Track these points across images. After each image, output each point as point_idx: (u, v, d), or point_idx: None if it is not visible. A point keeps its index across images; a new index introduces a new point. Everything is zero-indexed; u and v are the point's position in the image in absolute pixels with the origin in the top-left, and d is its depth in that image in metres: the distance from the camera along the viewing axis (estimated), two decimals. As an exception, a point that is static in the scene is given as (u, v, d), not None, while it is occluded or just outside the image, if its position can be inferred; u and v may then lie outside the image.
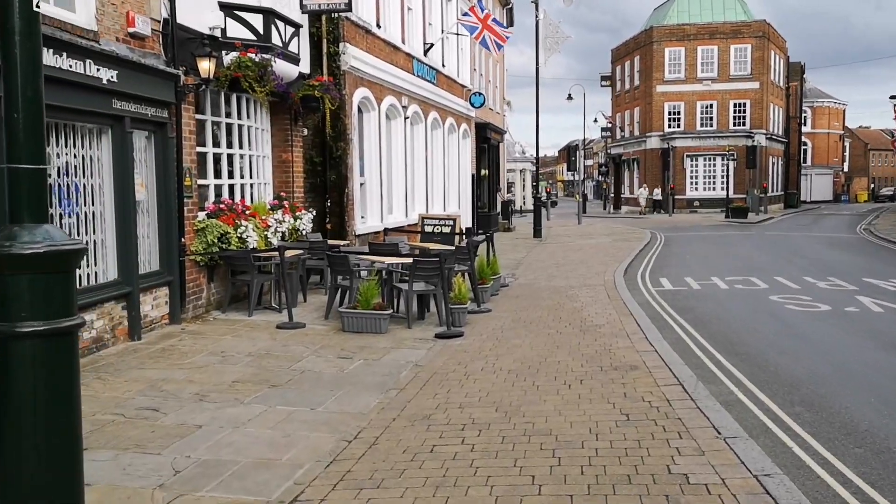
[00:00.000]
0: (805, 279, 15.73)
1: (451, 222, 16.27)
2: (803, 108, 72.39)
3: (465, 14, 22.62)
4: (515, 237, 30.07)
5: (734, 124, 51.19)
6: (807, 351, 9.28)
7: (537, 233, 29.73)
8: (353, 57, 16.56)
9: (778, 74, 56.11)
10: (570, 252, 22.99)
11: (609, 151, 65.05)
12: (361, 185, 18.31)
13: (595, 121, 64.12)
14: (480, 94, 28.57)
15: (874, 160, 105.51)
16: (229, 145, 12.79)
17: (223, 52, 11.69)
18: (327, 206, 16.79)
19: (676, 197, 48.97)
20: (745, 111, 51.27)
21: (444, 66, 25.26)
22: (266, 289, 12.54)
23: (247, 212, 12.32)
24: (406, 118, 20.98)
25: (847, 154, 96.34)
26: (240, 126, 13.12)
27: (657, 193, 51.27)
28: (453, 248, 14.70)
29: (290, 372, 8.17)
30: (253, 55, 11.60)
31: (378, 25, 18.47)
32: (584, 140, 60.59)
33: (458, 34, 25.21)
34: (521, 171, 73.35)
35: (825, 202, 79.69)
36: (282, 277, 10.89)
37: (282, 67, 12.77)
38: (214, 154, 12.30)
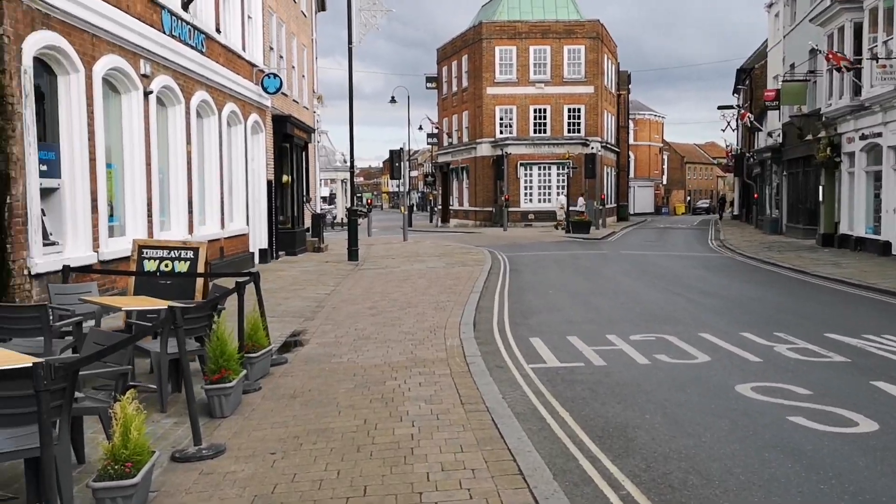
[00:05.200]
0: (748, 338, 10.34)
1: (191, 253, 9.58)
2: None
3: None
4: (325, 260, 23.58)
5: (569, 131, 47.31)
6: None
7: (353, 255, 23.37)
8: (20, -28, 9.59)
9: (610, 80, 53.11)
10: (394, 285, 16.82)
11: (436, 160, 59.94)
12: (55, 189, 11.25)
13: (420, 128, 58.60)
14: (276, 75, 21.90)
15: (689, 173, 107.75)
16: None
17: None
18: (-28, 225, 9.66)
19: (510, 210, 44.12)
20: (579, 117, 47.54)
21: (219, 31, 18.42)
22: None
23: None
24: (149, 93, 14.04)
25: (666, 167, 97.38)
26: None
27: (581, 203, 42.05)
28: (186, 304, 8.11)
29: None
30: None
31: (84, -63, 11.49)
32: (408, 144, 54.66)
33: (239, -11, 18.51)
34: (343, 181, 66.92)
35: (648, 214, 79.02)
36: None
37: None
38: None
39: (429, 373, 8.27)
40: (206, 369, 7.02)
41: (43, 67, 11.04)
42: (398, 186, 62.83)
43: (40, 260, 10.33)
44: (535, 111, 47.18)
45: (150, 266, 9.53)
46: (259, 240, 22.04)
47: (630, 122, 76.39)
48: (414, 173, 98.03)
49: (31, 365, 3.91)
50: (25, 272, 10.08)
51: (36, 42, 10.34)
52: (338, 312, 12.94)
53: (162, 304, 7.43)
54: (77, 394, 4.88)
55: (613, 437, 6.29)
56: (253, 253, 21.26)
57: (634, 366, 8.81)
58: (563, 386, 7.94)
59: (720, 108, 54.88)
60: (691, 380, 8.12)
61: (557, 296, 15.20)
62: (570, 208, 39.67)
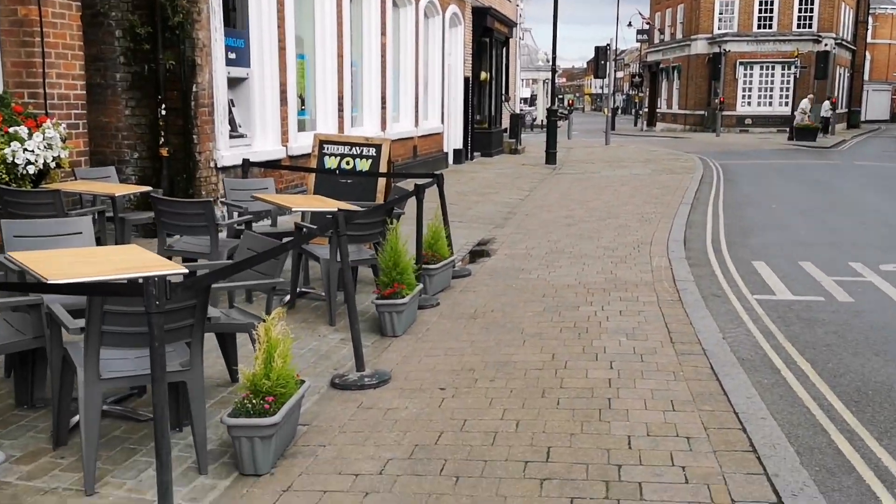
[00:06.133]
0: None
1: (374, 150, 8.82)
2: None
3: None
4: (522, 163, 22.50)
5: (798, 25, 42.23)
6: None
7: (551, 158, 22.13)
8: None
9: (852, -34, 46.68)
10: (593, 192, 15.48)
11: (645, 59, 56.27)
12: (244, 80, 10.87)
13: (629, 24, 54.81)
14: (476, -37, 20.55)
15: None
16: None
17: None
18: (161, 114, 9.43)
19: (725, 114, 40.46)
20: (812, 9, 42.20)
21: (418, -88, 17.26)
22: None
23: None
24: (341, -21, 13.27)
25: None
26: None
27: (827, 109, 37.48)
28: (361, 206, 7.41)
29: None
30: None
31: None
32: (615, 42, 51.30)
33: None
34: (544, 81, 64.74)
35: (882, 122, 70.36)
36: None
37: None
38: None
39: (631, 298, 7.06)
40: (378, 282, 6.25)
41: (231, -52, 10.50)
42: (602, 88, 59.90)
43: (227, 152, 10.01)
44: (760, 2, 42.44)
45: (330, 163, 8.87)
46: (454, 139, 21.28)
47: (870, 16, 67.49)
48: (619, 74, 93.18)
49: (139, 281, 3.18)
50: (212, 164, 9.81)
51: (222, -81, 9.74)
52: (531, 220, 11.90)
53: (334, 206, 6.68)
54: (213, 311, 4.18)
55: (875, 403, 4.85)
56: (447, 153, 20.56)
57: (892, 304, 7.11)
58: (800, 326, 6.46)
59: None
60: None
61: (783, 211, 13.23)
62: (814, 114, 35.14)
